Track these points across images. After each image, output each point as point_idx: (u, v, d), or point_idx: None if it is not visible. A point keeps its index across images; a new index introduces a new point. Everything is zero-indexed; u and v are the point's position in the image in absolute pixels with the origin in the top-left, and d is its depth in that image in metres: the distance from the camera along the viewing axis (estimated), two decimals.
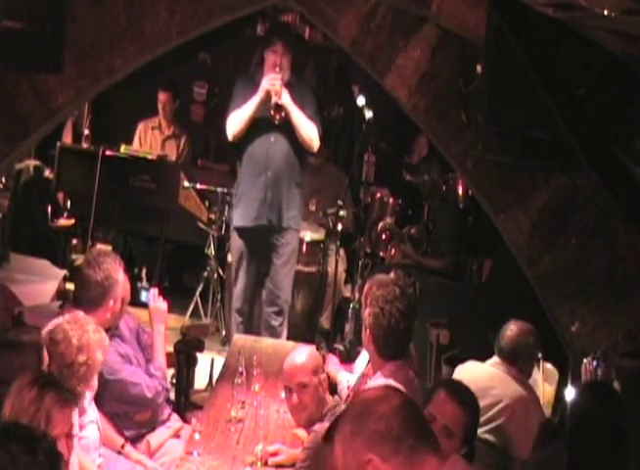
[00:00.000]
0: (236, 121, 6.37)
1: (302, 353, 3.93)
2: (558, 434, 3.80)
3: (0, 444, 2.42)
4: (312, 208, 7.28)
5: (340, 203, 6.67)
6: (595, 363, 4.83)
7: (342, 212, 6.73)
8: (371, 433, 2.15)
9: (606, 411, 3.79)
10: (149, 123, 8.30)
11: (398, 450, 2.13)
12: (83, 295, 4.22)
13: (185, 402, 5.23)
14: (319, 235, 7.03)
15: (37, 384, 3.17)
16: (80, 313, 3.88)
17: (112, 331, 4.32)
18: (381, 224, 7.52)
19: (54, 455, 2.53)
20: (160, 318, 4.59)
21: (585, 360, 4.90)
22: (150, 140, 8.25)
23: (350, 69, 8.35)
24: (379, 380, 4.03)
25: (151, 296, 4.68)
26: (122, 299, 4.35)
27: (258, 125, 6.38)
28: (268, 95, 6.23)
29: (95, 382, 3.80)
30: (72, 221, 8.05)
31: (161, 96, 8.22)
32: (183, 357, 5.34)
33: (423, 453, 2.14)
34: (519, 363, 4.55)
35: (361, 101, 6.79)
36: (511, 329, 4.59)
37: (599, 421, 3.64)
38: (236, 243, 6.54)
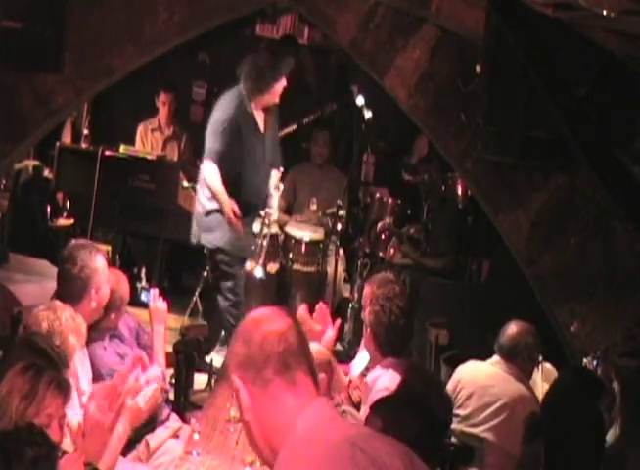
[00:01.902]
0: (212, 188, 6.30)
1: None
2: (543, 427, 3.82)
3: (11, 446, 2.43)
4: (313, 207, 7.27)
5: (339, 203, 6.66)
6: (595, 363, 4.83)
7: (341, 212, 6.72)
8: (237, 354, 2.15)
9: (584, 392, 3.85)
10: (148, 125, 8.29)
11: (256, 378, 2.11)
12: (65, 290, 4.24)
13: (184, 402, 5.22)
14: (318, 235, 7.02)
15: (34, 367, 3.17)
16: (57, 302, 3.91)
17: (111, 331, 4.32)
18: (380, 224, 7.51)
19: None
20: (160, 319, 4.58)
21: (585, 360, 4.91)
22: (151, 142, 8.25)
23: (350, 69, 8.34)
24: (377, 371, 4.03)
25: (151, 296, 4.68)
26: (122, 299, 4.35)
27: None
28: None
29: (73, 366, 3.79)
30: (72, 221, 8.03)
31: (164, 96, 8.21)
32: (182, 357, 5.33)
33: (281, 389, 2.10)
34: (518, 361, 4.56)
35: (361, 101, 6.76)
36: (511, 328, 4.61)
37: (576, 399, 3.69)
38: None
